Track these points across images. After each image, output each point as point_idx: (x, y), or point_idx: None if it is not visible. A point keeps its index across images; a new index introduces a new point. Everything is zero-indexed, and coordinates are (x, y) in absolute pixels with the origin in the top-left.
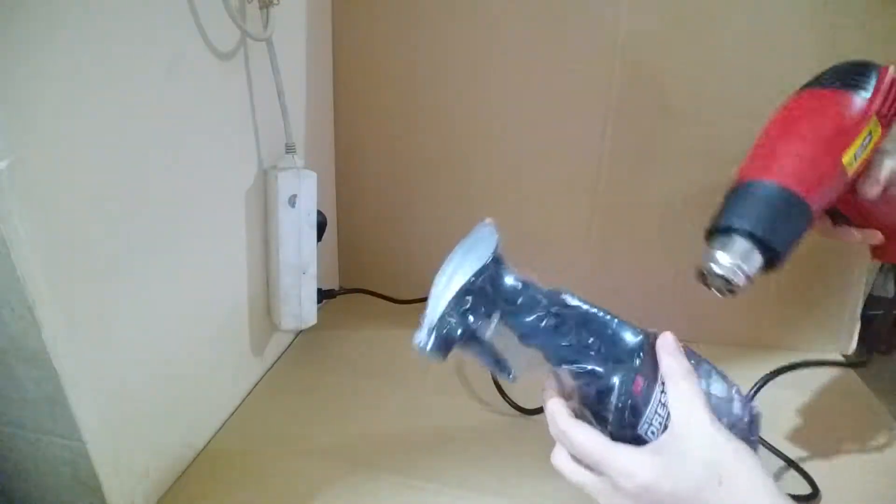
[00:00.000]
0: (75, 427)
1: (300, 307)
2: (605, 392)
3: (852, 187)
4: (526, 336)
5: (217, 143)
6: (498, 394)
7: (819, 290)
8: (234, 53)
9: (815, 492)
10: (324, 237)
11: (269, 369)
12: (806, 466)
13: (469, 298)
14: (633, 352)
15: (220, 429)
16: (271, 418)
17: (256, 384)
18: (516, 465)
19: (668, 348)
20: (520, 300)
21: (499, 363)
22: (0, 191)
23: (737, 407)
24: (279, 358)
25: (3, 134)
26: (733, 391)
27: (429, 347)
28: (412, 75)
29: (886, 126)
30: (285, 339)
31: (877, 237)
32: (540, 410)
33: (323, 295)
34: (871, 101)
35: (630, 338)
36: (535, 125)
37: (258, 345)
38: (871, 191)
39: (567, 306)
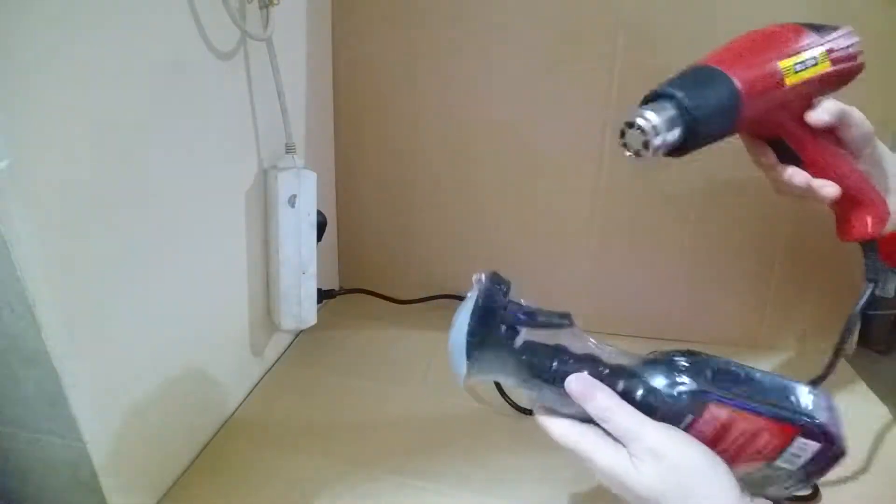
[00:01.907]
0: (75, 427)
1: (300, 307)
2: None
3: (800, 120)
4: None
5: (217, 143)
6: (498, 394)
7: (819, 290)
8: (234, 53)
9: (816, 492)
10: (324, 237)
11: (269, 369)
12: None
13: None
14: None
15: (220, 429)
16: (271, 418)
17: (256, 384)
18: (516, 465)
19: (575, 394)
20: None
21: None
22: (0, 191)
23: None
24: (279, 358)
25: (3, 134)
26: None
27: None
28: (412, 75)
29: (835, 67)
30: (285, 339)
31: (829, 189)
32: None
33: (323, 295)
34: (822, 36)
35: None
36: (535, 124)
37: (258, 345)
38: (815, 116)
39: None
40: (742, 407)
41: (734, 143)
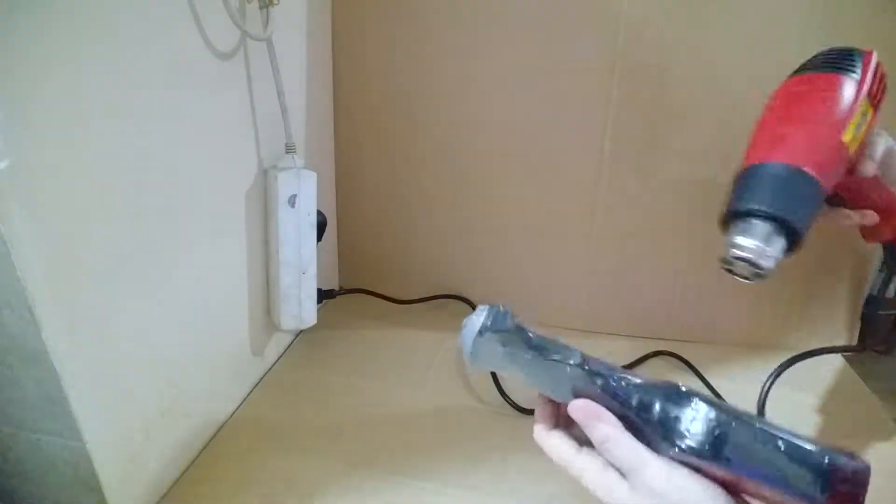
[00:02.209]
0: (75, 427)
1: (300, 307)
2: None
3: (849, 168)
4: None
5: (217, 143)
6: (498, 394)
7: (819, 290)
8: (234, 53)
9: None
10: (324, 237)
11: (269, 369)
12: None
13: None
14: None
15: (221, 428)
16: (271, 418)
17: (256, 384)
18: (516, 465)
19: (578, 419)
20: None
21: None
22: (0, 191)
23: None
24: (279, 358)
25: (3, 134)
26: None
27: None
28: (412, 75)
29: (875, 107)
30: (285, 339)
31: (872, 217)
32: None
33: (323, 295)
34: (860, 82)
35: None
36: (535, 124)
37: (258, 345)
38: (868, 169)
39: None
40: (752, 476)
41: (734, 143)
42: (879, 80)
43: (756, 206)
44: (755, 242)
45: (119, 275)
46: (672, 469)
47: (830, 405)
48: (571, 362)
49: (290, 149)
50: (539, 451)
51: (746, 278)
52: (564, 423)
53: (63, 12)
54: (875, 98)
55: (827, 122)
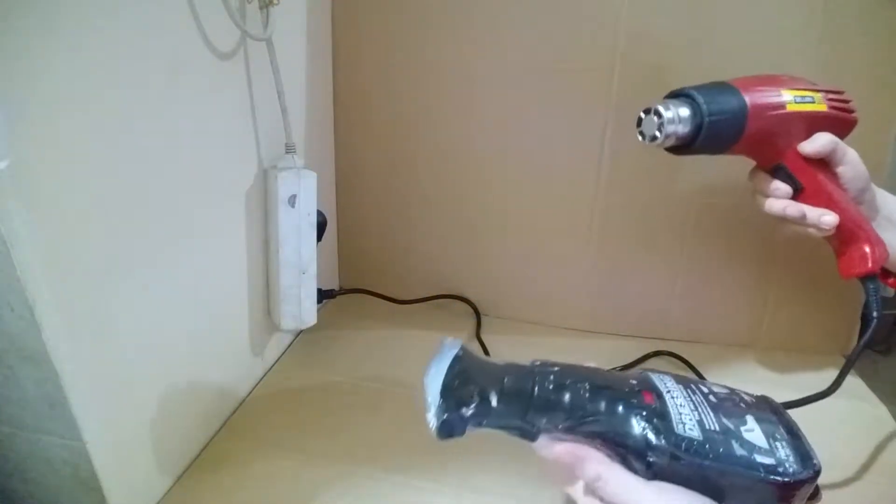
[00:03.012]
0: (75, 427)
1: (300, 307)
2: (625, 430)
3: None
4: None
5: (217, 143)
6: None
7: (819, 291)
8: (234, 53)
9: (816, 492)
10: (324, 237)
11: (269, 369)
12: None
13: (456, 383)
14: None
15: (220, 428)
16: (271, 418)
17: (256, 384)
18: (516, 464)
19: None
20: (506, 382)
21: (517, 426)
22: (0, 191)
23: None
24: (279, 358)
25: (3, 134)
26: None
27: (442, 434)
28: (412, 75)
29: (831, 112)
30: (285, 339)
31: (827, 218)
32: None
33: (323, 295)
34: (818, 85)
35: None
36: (535, 124)
37: (258, 345)
38: (808, 146)
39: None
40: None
41: None
42: (843, 105)
43: (691, 92)
44: (674, 109)
45: (119, 275)
46: (664, 491)
47: (829, 405)
48: (533, 428)
49: (290, 149)
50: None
51: (644, 135)
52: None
53: (63, 12)
54: (832, 107)
55: (779, 82)
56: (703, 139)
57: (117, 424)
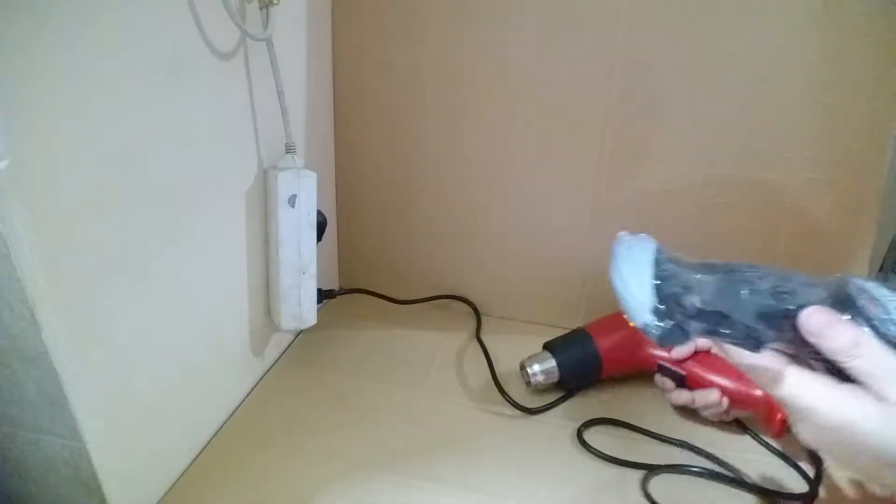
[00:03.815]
0: (75, 427)
1: (300, 307)
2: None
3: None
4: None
5: (217, 143)
6: (498, 394)
7: None
8: (234, 53)
9: (815, 492)
10: (324, 237)
11: (269, 369)
12: (804, 465)
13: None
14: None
15: (220, 429)
16: (271, 418)
17: (256, 384)
18: (516, 465)
19: (813, 328)
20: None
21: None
22: (0, 191)
23: None
24: (279, 358)
25: (3, 134)
26: None
27: (664, 337)
28: (412, 75)
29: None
30: (285, 339)
31: (711, 397)
32: (540, 410)
33: (323, 295)
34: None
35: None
36: (535, 124)
37: (258, 345)
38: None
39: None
40: None
41: (734, 143)
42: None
43: (553, 347)
44: (538, 368)
45: (119, 275)
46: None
47: None
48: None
49: (290, 149)
50: (539, 451)
51: (526, 381)
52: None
53: (62, 12)
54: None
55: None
56: (568, 382)
57: (117, 424)
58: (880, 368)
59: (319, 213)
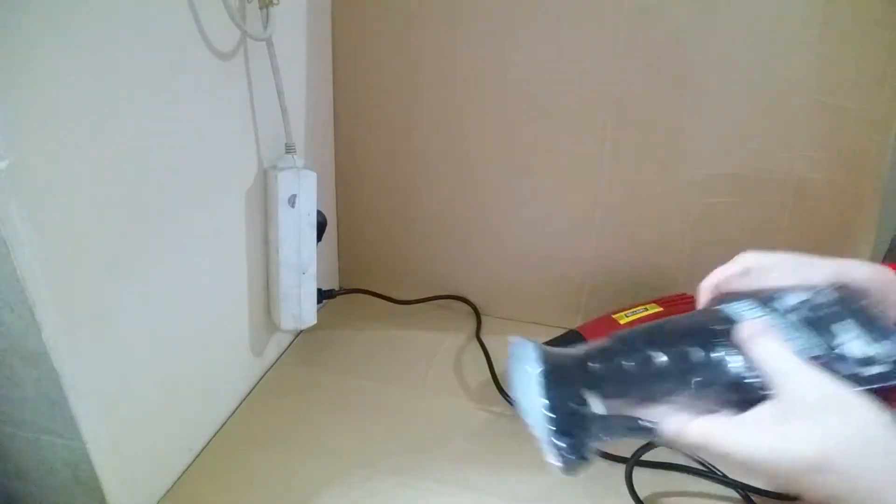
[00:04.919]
0: (75, 427)
1: (300, 307)
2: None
3: None
4: (631, 391)
5: (217, 142)
6: (498, 394)
7: None
8: (234, 53)
9: None
10: (324, 237)
11: (268, 369)
12: None
13: (555, 404)
14: (713, 334)
15: (220, 429)
16: (271, 418)
17: (256, 384)
18: (516, 465)
19: (751, 338)
20: (592, 366)
21: (635, 426)
22: (0, 191)
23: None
24: (279, 358)
25: (3, 134)
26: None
27: (570, 467)
28: (412, 75)
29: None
30: (285, 339)
31: None
32: None
33: (323, 295)
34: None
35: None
36: (535, 124)
37: (258, 345)
38: None
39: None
40: None
41: (734, 143)
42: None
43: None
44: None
45: (119, 275)
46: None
47: None
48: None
49: (290, 149)
50: (538, 451)
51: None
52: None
53: (63, 12)
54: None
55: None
56: None
57: (117, 424)
58: (777, 358)
59: (319, 213)
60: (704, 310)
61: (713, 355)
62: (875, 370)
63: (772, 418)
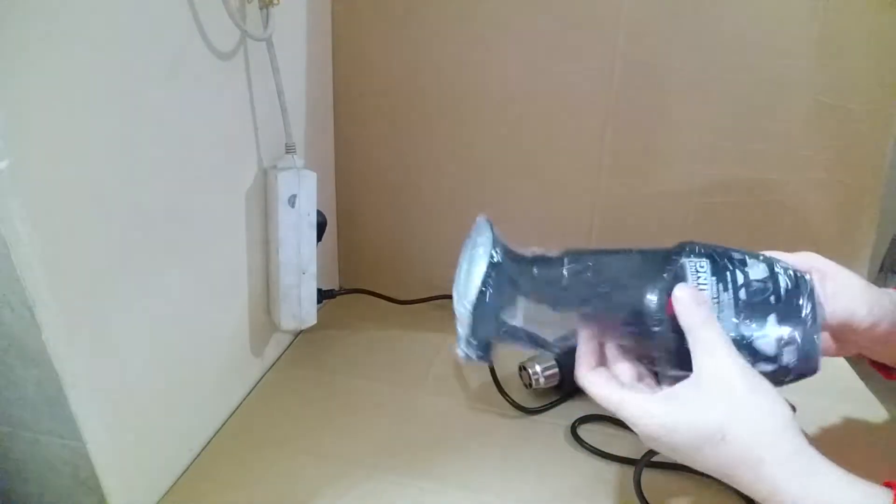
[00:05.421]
0: (75, 427)
1: (300, 307)
2: (642, 318)
3: None
4: (557, 301)
5: (217, 143)
6: (498, 394)
7: None
8: (234, 53)
9: None
10: (324, 237)
11: (268, 369)
12: None
13: (490, 293)
14: (659, 272)
15: (220, 429)
16: (271, 418)
17: (256, 384)
18: (516, 465)
19: (683, 302)
20: (536, 272)
21: (539, 343)
22: (0, 191)
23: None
24: (279, 358)
25: (3, 134)
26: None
27: (473, 355)
28: (412, 75)
29: None
30: (285, 339)
31: None
32: (540, 410)
33: (323, 295)
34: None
35: (653, 261)
36: (535, 124)
37: (258, 345)
38: None
39: (582, 255)
40: None
41: (734, 142)
42: None
43: None
44: (538, 367)
45: (119, 275)
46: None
47: (829, 405)
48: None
49: (290, 149)
50: (538, 451)
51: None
52: (606, 361)
53: (63, 12)
54: None
55: None
56: (569, 382)
57: (117, 424)
58: (703, 352)
59: (319, 213)
60: (665, 253)
61: (647, 297)
62: (769, 368)
63: (682, 388)
